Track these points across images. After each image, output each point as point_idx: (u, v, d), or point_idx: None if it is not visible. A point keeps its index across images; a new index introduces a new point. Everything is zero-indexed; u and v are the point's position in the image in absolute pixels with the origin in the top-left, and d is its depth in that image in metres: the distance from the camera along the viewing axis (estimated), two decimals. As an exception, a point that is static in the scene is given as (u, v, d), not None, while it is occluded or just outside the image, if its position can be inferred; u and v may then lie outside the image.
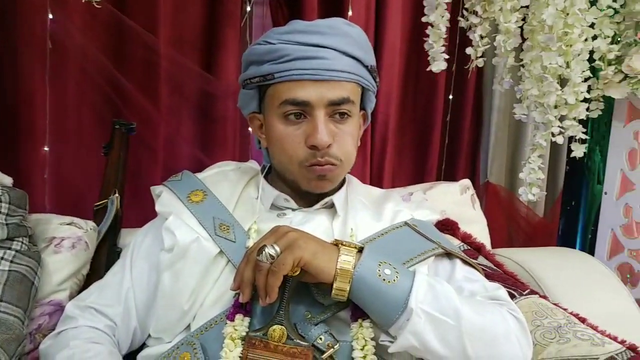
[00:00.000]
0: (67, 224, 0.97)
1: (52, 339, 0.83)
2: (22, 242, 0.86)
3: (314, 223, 0.86)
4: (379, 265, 0.74)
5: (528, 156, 1.46)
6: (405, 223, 0.89)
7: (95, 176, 1.30)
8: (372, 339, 0.76)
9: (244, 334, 0.74)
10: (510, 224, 1.92)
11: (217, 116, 1.52)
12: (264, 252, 0.71)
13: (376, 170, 1.68)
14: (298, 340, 0.74)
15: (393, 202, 0.94)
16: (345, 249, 0.74)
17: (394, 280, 0.73)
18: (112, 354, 0.80)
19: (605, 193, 1.57)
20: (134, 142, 1.21)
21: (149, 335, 0.85)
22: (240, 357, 0.72)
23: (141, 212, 1.20)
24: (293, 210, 0.89)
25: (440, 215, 1.00)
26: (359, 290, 0.73)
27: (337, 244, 0.76)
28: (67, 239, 0.94)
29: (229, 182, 0.92)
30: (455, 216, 1.06)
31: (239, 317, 0.75)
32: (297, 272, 0.73)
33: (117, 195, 1.08)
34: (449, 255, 0.89)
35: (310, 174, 0.82)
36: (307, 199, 0.89)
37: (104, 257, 1.02)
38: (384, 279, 0.73)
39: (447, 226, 1.06)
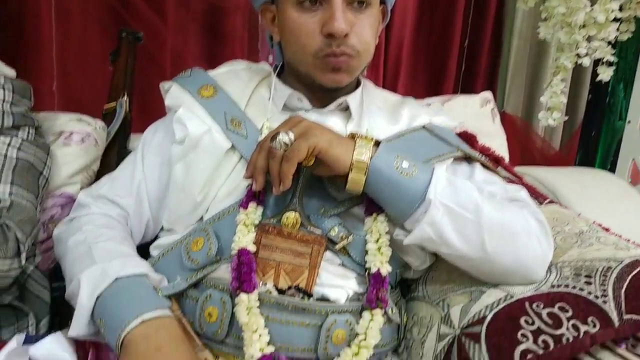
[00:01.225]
0: (76, 120, 0.95)
1: (66, 224, 0.82)
2: (29, 132, 0.84)
3: (328, 124, 0.82)
4: (396, 157, 0.71)
5: (550, 79, 1.41)
6: (423, 127, 0.86)
7: (103, 87, 1.27)
8: (386, 233, 0.74)
9: (257, 222, 0.73)
10: (525, 157, 1.88)
11: (225, 32, 1.47)
12: (277, 138, 0.68)
13: (388, 95, 1.63)
14: (312, 228, 0.72)
15: (410, 107, 0.91)
16: (362, 140, 0.71)
17: (412, 173, 0.71)
18: (125, 240, 0.79)
19: (629, 122, 1.52)
20: (140, 57, 1.18)
21: (162, 228, 0.84)
22: (253, 243, 0.71)
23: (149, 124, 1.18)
24: (306, 111, 0.85)
25: (458, 126, 0.96)
26: (375, 182, 0.70)
27: (352, 136, 0.73)
28: (76, 133, 0.92)
29: (241, 80, 0.88)
30: (474, 129, 1.02)
31: (252, 205, 0.73)
32: (312, 162, 0.70)
33: (125, 98, 1.05)
34: (468, 159, 0.86)
35: (325, 65, 0.78)
36: (321, 98, 0.85)
37: (114, 158, 1.00)
38: (401, 172, 0.70)
39: (465, 138, 1.01)
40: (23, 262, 0.74)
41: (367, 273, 0.74)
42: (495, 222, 0.71)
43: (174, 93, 0.85)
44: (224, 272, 0.72)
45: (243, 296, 0.67)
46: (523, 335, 0.66)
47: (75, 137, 0.92)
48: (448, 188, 0.71)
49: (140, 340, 0.62)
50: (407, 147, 0.80)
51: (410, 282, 0.88)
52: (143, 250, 0.84)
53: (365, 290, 0.73)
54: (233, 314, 0.69)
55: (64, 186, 0.90)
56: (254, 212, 0.73)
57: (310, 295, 0.71)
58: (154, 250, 0.82)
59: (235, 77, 0.89)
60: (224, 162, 0.78)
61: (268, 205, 0.75)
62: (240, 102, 0.84)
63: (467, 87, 1.75)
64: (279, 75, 0.89)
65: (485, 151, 1.05)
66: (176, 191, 0.79)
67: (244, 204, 0.73)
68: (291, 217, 0.72)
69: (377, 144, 0.72)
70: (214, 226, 0.75)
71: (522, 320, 0.67)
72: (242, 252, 0.69)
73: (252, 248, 0.70)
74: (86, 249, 0.73)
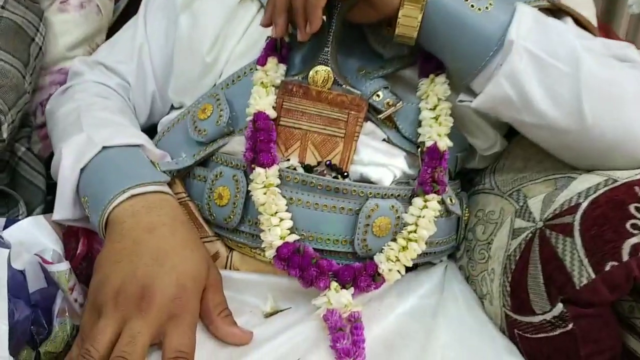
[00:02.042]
0: (75, -14, 0.80)
1: (58, 96, 0.70)
2: (16, -10, 0.71)
3: None
4: None
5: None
6: None
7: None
8: (446, 99, 0.57)
9: (278, 82, 0.57)
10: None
11: None
12: None
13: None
14: (348, 87, 0.56)
15: None
16: (417, -36, 0.53)
17: (487, 7, 0.52)
18: (122, 112, 0.65)
19: None
20: None
21: (172, 107, 0.70)
22: (273, 107, 0.55)
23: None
24: None
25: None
26: (435, 21, 0.52)
27: None
28: (74, -4, 0.78)
29: None
30: (559, -3, 0.81)
31: (271, 60, 0.57)
32: None
33: (137, -33, 0.89)
34: (556, 13, 0.66)
35: None
36: None
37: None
38: (471, 5, 0.52)
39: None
40: (5, 135, 0.62)
41: (419, 150, 0.57)
42: (599, 80, 0.52)
43: None
44: (237, 146, 0.57)
45: (259, 170, 0.53)
46: (634, 226, 0.48)
47: (73, 2, 0.77)
48: (535, 29, 0.52)
49: (128, 219, 0.49)
50: None
51: (473, 175, 0.72)
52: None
53: (417, 173, 0.57)
54: (248, 196, 0.54)
55: (63, 60, 0.77)
56: (275, 70, 0.56)
57: (345, 175, 0.55)
58: (159, 128, 0.68)
59: None
60: (238, 12, 0.61)
61: (292, 64, 0.59)
62: None
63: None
64: None
65: (576, 20, 0.84)
66: (182, 50, 0.64)
67: (261, 60, 0.57)
68: (321, 71, 0.55)
69: None
70: (226, 92, 0.59)
71: (631, 208, 0.50)
72: (259, 116, 0.54)
73: (271, 113, 0.55)
74: (75, 118, 0.60)
